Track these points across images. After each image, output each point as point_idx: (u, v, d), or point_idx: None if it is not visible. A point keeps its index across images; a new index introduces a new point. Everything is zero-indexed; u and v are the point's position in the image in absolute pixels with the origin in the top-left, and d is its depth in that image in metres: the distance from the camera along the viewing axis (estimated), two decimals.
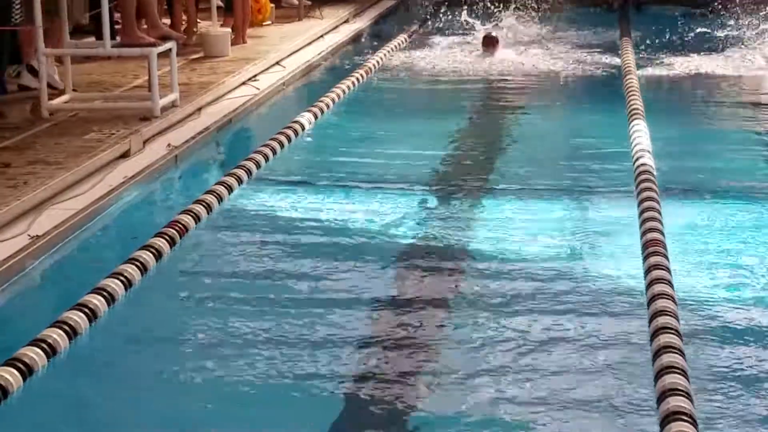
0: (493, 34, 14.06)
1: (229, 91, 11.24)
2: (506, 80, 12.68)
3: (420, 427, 4.99)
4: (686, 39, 14.96)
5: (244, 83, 11.66)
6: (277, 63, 12.82)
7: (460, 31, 15.66)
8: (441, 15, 16.54)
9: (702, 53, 13.83)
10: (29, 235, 6.91)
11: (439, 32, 15.95)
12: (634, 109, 10.46)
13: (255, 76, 12.02)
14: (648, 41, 14.61)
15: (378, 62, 13.36)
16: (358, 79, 12.18)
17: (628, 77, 12.04)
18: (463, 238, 7.45)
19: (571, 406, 5.09)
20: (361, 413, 5.07)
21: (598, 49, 14.44)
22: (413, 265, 6.95)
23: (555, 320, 6.04)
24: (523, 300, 6.32)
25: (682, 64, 13.35)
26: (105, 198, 7.81)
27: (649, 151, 8.95)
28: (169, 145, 9.20)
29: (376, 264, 6.91)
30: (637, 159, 8.79)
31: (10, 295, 6.32)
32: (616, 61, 13.50)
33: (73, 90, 10.07)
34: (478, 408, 5.09)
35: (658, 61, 13.55)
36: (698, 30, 15.24)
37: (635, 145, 9.18)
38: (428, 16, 17.08)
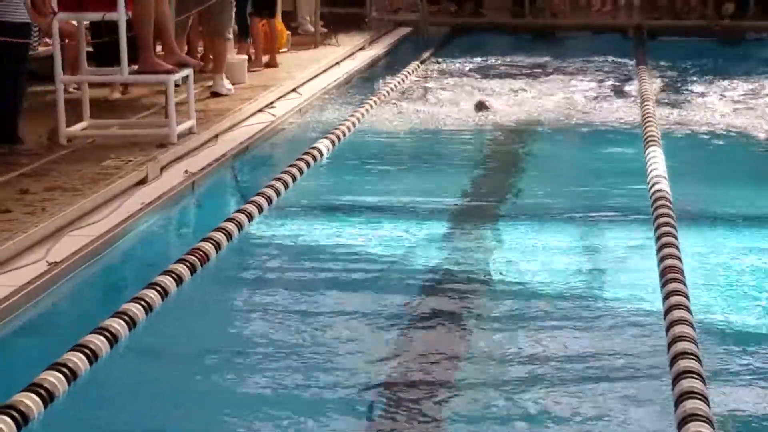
0: (486, 101, 12.62)
1: (246, 118, 11.29)
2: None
3: None
4: (702, 66, 14.97)
5: (260, 110, 11.71)
6: (294, 90, 12.87)
7: (478, 57, 15.74)
8: (453, 42, 16.58)
9: (720, 81, 13.83)
10: (47, 262, 6.93)
11: (454, 57, 16.00)
12: (650, 135, 10.46)
13: (271, 103, 12.07)
14: (664, 68, 14.63)
15: (394, 87, 13.39)
16: (373, 104, 12.22)
17: (645, 104, 12.05)
18: (480, 264, 7.44)
19: None
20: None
21: (614, 77, 14.46)
22: (432, 289, 6.95)
23: (572, 346, 6.04)
24: (539, 326, 6.31)
25: (698, 92, 13.36)
26: (122, 224, 7.83)
27: (665, 177, 8.94)
28: (186, 171, 9.23)
29: (395, 290, 6.91)
30: (653, 185, 8.78)
31: (28, 320, 6.33)
32: (633, 88, 13.53)
33: (91, 117, 10.10)
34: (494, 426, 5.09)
35: (674, 89, 13.56)
36: (715, 58, 15.27)
37: (651, 171, 9.17)
38: (442, 43, 17.13)
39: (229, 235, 7.56)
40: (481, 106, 12.32)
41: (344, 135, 10.79)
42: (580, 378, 5.65)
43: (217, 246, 7.34)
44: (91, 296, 6.98)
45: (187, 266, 6.87)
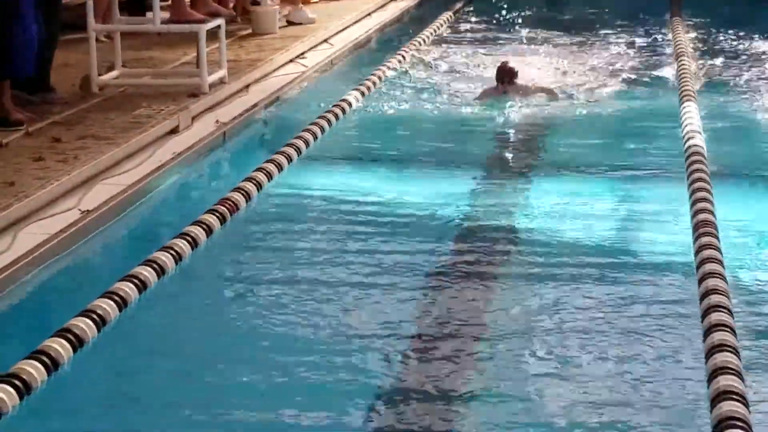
0: (510, 64, 10.75)
1: (277, 69, 11.26)
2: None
3: (475, 392, 4.98)
4: (739, 18, 14.80)
5: (291, 61, 11.67)
6: (325, 41, 12.82)
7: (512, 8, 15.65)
8: None
9: (757, 33, 13.68)
10: (80, 210, 6.95)
11: (487, 8, 15.89)
12: (685, 90, 10.37)
13: (303, 53, 12.03)
14: (699, 21, 14.49)
15: (425, 39, 13.33)
16: (404, 56, 12.17)
17: (680, 59, 11.94)
18: (512, 219, 7.42)
19: (618, 394, 5.03)
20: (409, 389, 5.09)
21: (648, 30, 14.34)
22: (461, 245, 6.94)
23: (604, 300, 6.01)
24: (570, 281, 6.29)
25: (735, 45, 13.23)
26: (154, 174, 7.84)
27: (700, 133, 8.87)
28: (217, 121, 9.23)
29: (424, 243, 6.90)
30: (687, 140, 8.72)
31: (61, 268, 6.36)
32: (668, 42, 13.42)
33: (123, 66, 10.10)
34: (526, 385, 5.09)
35: (710, 42, 13.43)
36: (752, 9, 15.10)
37: (686, 126, 9.11)
38: None
39: (259, 185, 7.56)
40: (503, 74, 10.46)
41: (374, 86, 10.75)
42: (611, 332, 5.63)
43: (247, 196, 7.34)
44: (123, 244, 7.00)
45: (216, 216, 6.88)
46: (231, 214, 7.02)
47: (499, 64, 10.79)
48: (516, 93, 10.27)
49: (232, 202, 7.14)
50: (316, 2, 14.98)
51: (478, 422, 4.81)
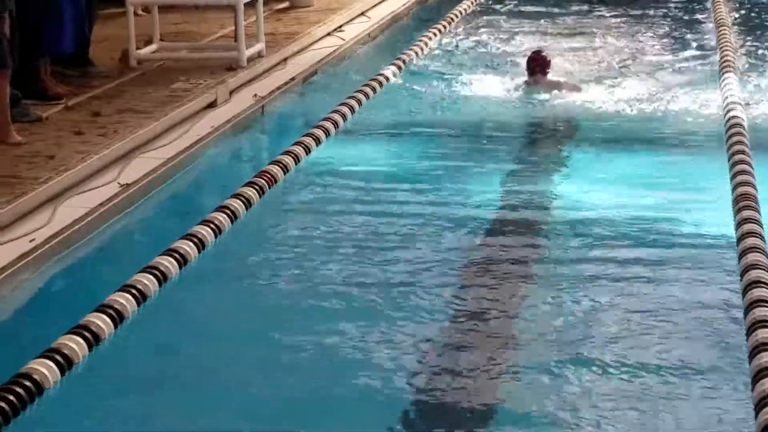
0: (543, 53, 10.15)
1: (315, 42, 11.24)
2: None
3: (511, 360, 4.99)
4: None
5: (329, 34, 11.65)
6: (363, 14, 12.78)
7: None
8: None
9: None
10: (119, 183, 6.98)
11: None
12: (726, 61, 10.29)
13: (340, 26, 12.00)
14: None
15: (464, 11, 13.26)
16: (441, 29, 12.12)
17: (720, 29, 11.83)
18: (550, 191, 7.40)
19: (656, 366, 5.01)
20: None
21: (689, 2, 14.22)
22: (500, 217, 6.92)
23: (642, 272, 5.99)
24: (610, 252, 6.27)
25: None
26: (192, 148, 7.85)
27: (740, 104, 8.81)
28: (255, 95, 9.23)
29: (458, 216, 6.88)
30: (728, 112, 8.66)
31: (102, 241, 6.39)
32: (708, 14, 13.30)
33: (161, 40, 10.11)
34: (559, 350, 5.10)
35: (751, 13, 13.30)
36: None
37: (726, 98, 9.04)
38: None
39: (297, 158, 7.57)
40: (535, 64, 9.89)
41: (411, 60, 10.71)
42: (649, 306, 5.61)
43: (285, 169, 7.35)
44: (162, 218, 7.02)
45: (255, 189, 6.89)
46: (269, 187, 7.03)
47: (530, 53, 10.18)
48: (545, 87, 9.69)
49: (271, 175, 7.15)
50: None
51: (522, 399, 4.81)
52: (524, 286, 5.91)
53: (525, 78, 9.87)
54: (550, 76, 9.92)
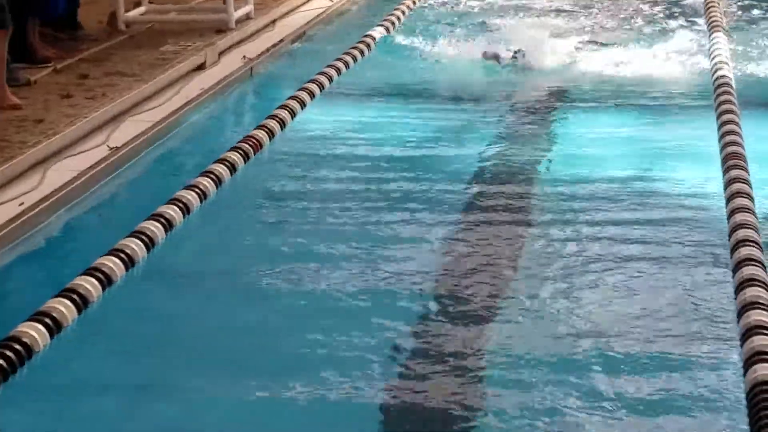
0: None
1: (303, 4, 11.21)
2: None
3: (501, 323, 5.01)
4: None
5: None
6: None
7: None
8: None
9: None
10: (108, 146, 6.97)
11: None
12: (713, 21, 10.27)
13: None
14: None
15: None
16: None
17: None
18: (536, 155, 7.38)
19: (642, 331, 5.01)
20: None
21: None
22: (484, 178, 6.93)
23: (630, 235, 6.01)
24: (598, 214, 6.28)
25: None
26: (181, 110, 7.85)
27: (728, 64, 8.80)
28: (244, 57, 9.21)
29: (446, 177, 6.89)
30: (715, 71, 8.66)
31: (91, 205, 6.39)
32: None
33: (150, 2, 10.07)
34: (547, 321, 5.11)
35: None
36: None
37: (714, 57, 9.03)
38: None
39: (282, 123, 7.55)
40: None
41: (399, 21, 10.69)
42: (638, 265, 5.63)
43: (271, 133, 7.33)
44: (151, 181, 7.01)
45: (240, 154, 6.87)
46: (255, 152, 7.02)
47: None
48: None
49: (256, 140, 7.14)
50: None
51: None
52: (515, 247, 5.91)
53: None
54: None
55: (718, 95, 8.02)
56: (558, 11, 11.45)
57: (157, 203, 6.03)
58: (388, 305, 5.23)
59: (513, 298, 5.31)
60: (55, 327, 4.76)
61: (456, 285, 5.43)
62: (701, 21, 10.72)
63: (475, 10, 11.60)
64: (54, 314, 4.80)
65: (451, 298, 5.29)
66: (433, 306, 5.23)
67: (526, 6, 11.70)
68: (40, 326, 4.70)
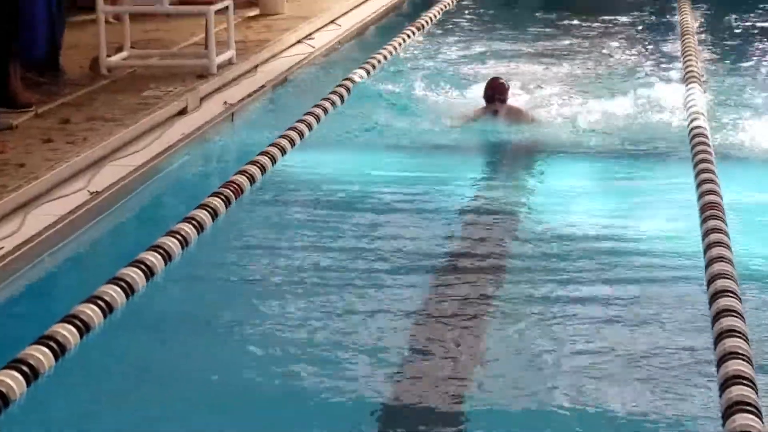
0: (502, 80, 9.38)
1: (285, 49, 11.27)
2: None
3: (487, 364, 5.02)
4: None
5: (299, 41, 11.68)
6: (333, 21, 12.81)
7: None
8: None
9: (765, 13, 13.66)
10: (89, 191, 6.98)
11: None
12: (690, 71, 10.35)
13: (310, 34, 12.04)
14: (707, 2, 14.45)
15: (432, 18, 13.31)
16: (410, 35, 12.17)
17: (685, 38, 11.91)
18: (516, 202, 7.42)
19: (620, 375, 5.06)
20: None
21: (654, 10, 14.31)
22: (464, 227, 6.95)
23: (609, 284, 6.04)
24: (576, 263, 6.31)
25: (742, 26, 13.19)
26: (163, 155, 7.86)
27: (703, 114, 8.85)
28: (225, 102, 9.25)
29: (434, 223, 6.93)
30: (692, 121, 8.71)
31: (70, 250, 6.38)
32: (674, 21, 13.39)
33: (131, 47, 10.10)
34: (525, 361, 5.14)
35: (717, 22, 13.39)
36: None
37: (690, 108, 9.09)
38: None
39: (263, 168, 7.57)
40: (493, 91, 9.16)
41: (379, 64, 10.75)
42: (618, 310, 5.68)
43: (252, 179, 7.35)
44: (131, 226, 7.02)
45: (222, 199, 6.89)
46: (236, 197, 7.04)
47: (489, 80, 9.38)
48: (507, 115, 9.05)
49: (237, 185, 7.15)
50: None
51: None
52: (493, 292, 5.94)
53: (482, 110, 9.20)
54: (511, 100, 9.33)
55: (695, 146, 8.06)
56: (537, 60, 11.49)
57: (138, 249, 6.02)
58: (362, 357, 5.23)
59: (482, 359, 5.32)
60: (32, 374, 4.74)
61: (429, 337, 5.43)
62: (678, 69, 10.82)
63: (454, 57, 11.66)
64: (31, 361, 4.79)
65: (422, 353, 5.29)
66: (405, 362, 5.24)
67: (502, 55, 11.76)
68: (16, 374, 4.68)
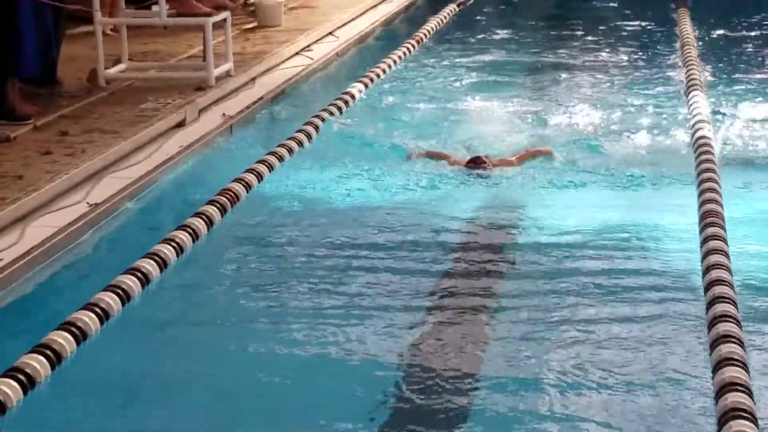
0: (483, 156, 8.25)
1: (283, 61, 11.27)
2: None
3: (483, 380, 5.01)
4: (746, 7, 14.75)
5: (297, 53, 11.69)
6: (330, 33, 12.83)
7: None
8: None
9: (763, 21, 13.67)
10: (88, 203, 6.98)
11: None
12: (692, 79, 10.36)
13: (308, 46, 12.05)
14: (706, 10, 14.45)
15: (431, 31, 13.32)
16: (409, 48, 12.18)
17: (686, 48, 11.93)
18: (518, 215, 7.40)
19: (621, 395, 5.02)
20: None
21: (654, 19, 14.32)
22: (462, 241, 6.92)
23: (609, 297, 6.02)
24: (579, 276, 6.28)
25: (741, 33, 13.20)
26: (161, 167, 7.86)
27: (708, 122, 8.86)
28: (223, 114, 9.25)
29: (431, 237, 6.91)
30: (696, 131, 8.71)
31: (69, 261, 6.38)
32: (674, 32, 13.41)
33: (129, 59, 10.11)
34: (525, 379, 5.13)
35: (717, 31, 13.41)
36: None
37: (694, 116, 9.10)
38: None
39: (259, 176, 7.59)
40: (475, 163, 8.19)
41: (378, 77, 10.76)
42: (616, 317, 5.69)
43: (248, 187, 7.36)
44: (130, 237, 7.01)
45: (217, 207, 6.90)
46: (231, 206, 7.05)
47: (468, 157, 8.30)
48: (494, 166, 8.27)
49: (233, 193, 7.17)
50: None
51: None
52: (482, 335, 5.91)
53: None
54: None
55: (699, 155, 8.06)
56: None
57: (134, 257, 6.04)
58: (358, 372, 5.22)
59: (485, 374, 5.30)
60: (28, 383, 4.74)
61: (425, 362, 5.37)
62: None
63: (456, 73, 11.66)
64: (27, 370, 4.79)
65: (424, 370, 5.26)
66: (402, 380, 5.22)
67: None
68: (13, 382, 4.69)
